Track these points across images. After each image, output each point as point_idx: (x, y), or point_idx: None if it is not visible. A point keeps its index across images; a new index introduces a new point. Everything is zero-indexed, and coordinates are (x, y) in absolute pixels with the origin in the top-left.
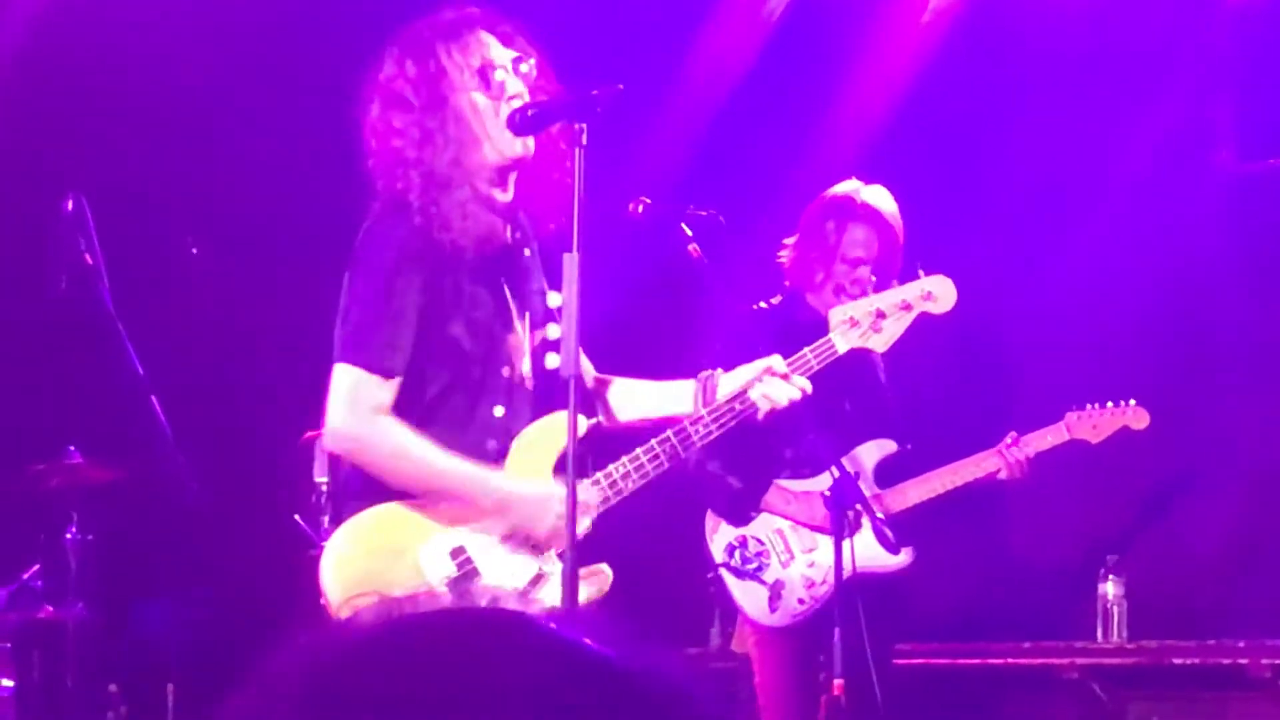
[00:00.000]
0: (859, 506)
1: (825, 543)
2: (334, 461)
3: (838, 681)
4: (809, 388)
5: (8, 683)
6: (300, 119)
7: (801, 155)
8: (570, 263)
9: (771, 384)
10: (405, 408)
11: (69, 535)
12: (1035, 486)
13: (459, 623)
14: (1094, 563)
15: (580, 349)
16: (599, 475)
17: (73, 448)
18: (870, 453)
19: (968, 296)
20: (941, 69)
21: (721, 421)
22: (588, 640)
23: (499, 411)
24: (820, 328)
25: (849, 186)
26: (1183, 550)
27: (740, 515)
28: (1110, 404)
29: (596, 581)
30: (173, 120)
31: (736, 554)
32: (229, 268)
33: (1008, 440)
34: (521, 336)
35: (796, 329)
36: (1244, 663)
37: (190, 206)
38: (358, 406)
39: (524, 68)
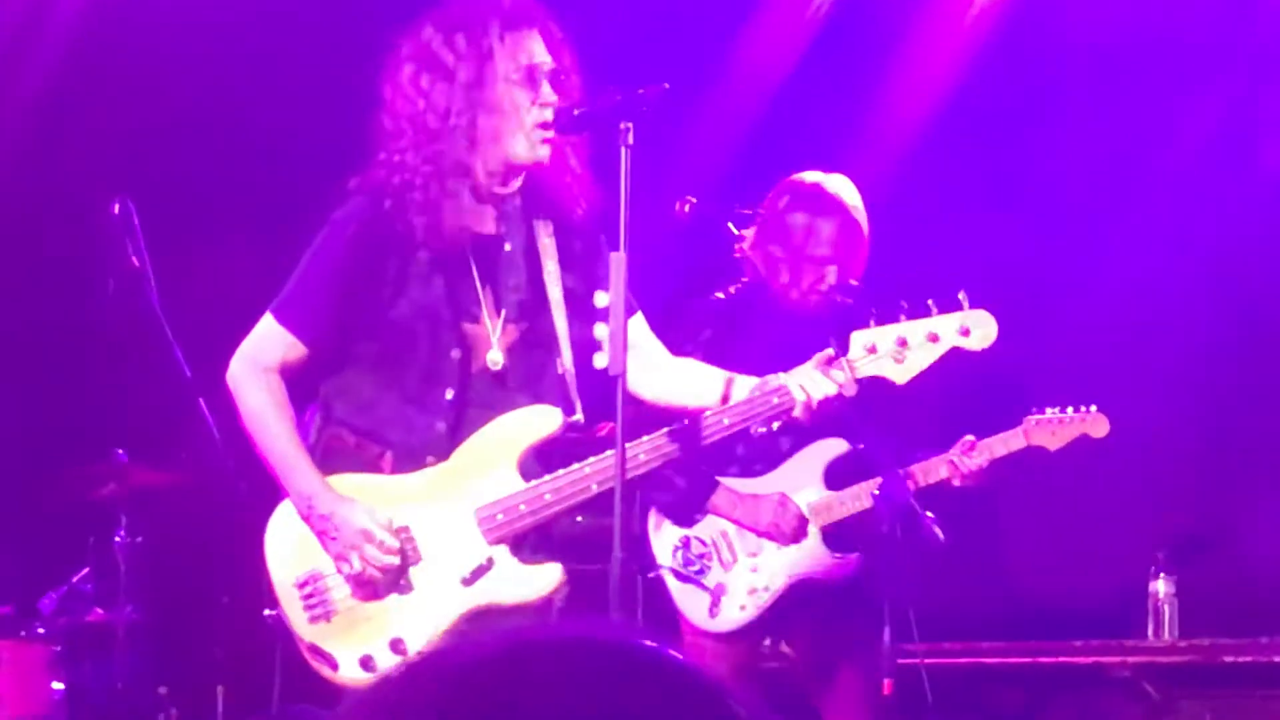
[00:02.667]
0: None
1: (770, 549)
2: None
3: (887, 681)
4: (850, 386)
5: (58, 685)
6: (350, 121)
7: (847, 152)
8: (616, 262)
9: (810, 375)
10: (355, 383)
11: (118, 538)
12: (1085, 483)
13: (587, 647)
14: (1145, 560)
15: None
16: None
17: (121, 450)
18: (822, 452)
19: (1013, 294)
20: (987, 65)
21: (755, 413)
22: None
23: (449, 394)
24: (780, 320)
25: (814, 177)
26: (1234, 547)
27: (685, 515)
28: (1070, 409)
29: (546, 576)
30: (220, 123)
31: (679, 555)
32: (276, 269)
33: (962, 445)
34: (488, 326)
35: (755, 320)
36: None
37: (237, 209)
38: (254, 353)
39: (565, 81)
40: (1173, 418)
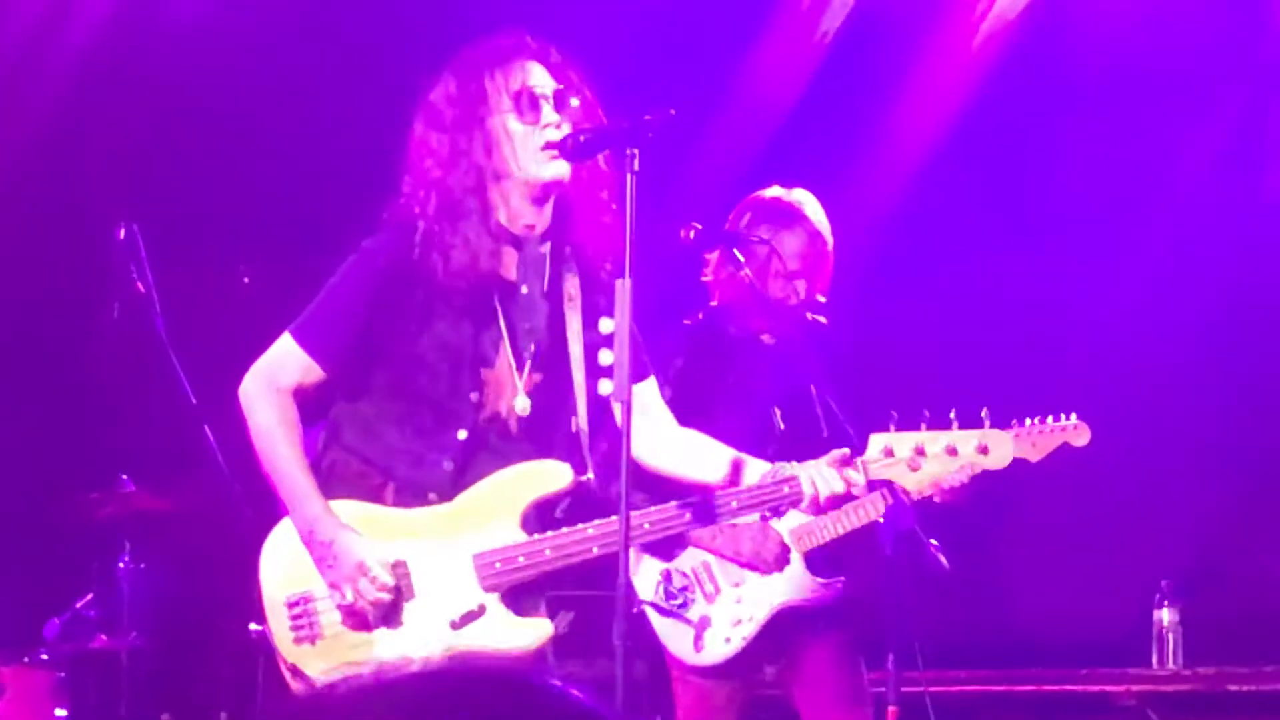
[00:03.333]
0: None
1: (752, 579)
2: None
3: (892, 709)
4: (861, 488)
5: (61, 712)
6: (353, 147)
7: (854, 177)
8: (622, 289)
9: (823, 471)
10: (367, 412)
11: (122, 564)
12: (1090, 511)
13: (468, 681)
14: (1150, 588)
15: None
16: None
17: (126, 476)
18: None
19: (1022, 320)
20: (993, 90)
21: (763, 499)
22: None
23: (462, 435)
24: (751, 342)
25: (775, 192)
26: (1239, 576)
27: (665, 549)
28: (1050, 419)
29: (535, 630)
30: (225, 149)
31: (661, 589)
32: (281, 296)
33: None
34: (505, 372)
35: (723, 344)
36: None
37: (242, 235)
38: (270, 372)
39: (573, 102)
40: (1179, 446)
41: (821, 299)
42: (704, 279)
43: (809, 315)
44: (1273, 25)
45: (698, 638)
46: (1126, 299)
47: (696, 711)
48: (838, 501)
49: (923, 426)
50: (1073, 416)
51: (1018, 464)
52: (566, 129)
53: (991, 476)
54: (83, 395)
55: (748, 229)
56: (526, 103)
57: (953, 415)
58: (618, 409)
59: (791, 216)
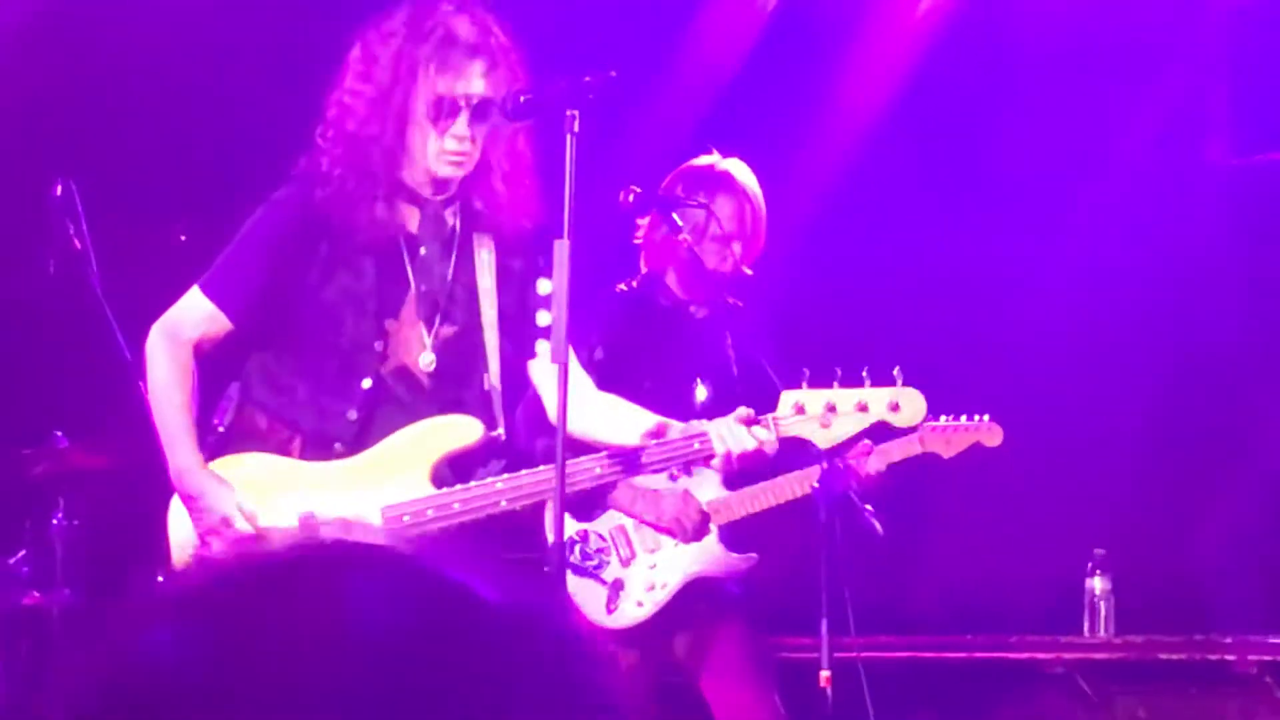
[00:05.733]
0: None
1: (668, 546)
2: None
3: (825, 674)
4: (772, 444)
5: None
6: (291, 105)
7: (795, 146)
8: (561, 250)
9: (733, 428)
10: (274, 364)
11: (55, 521)
12: (1023, 479)
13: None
14: (1082, 556)
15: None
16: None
17: (59, 433)
18: None
19: (961, 289)
20: (936, 62)
21: (672, 454)
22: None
23: (366, 384)
24: (680, 312)
25: (708, 160)
26: (1170, 545)
27: (583, 509)
28: (964, 418)
29: None
30: (162, 106)
31: (577, 549)
32: (217, 254)
33: (859, 449)
34: (411, 325)
35: (657, 313)
36: (1231, 658)
37: (179, 192)
38: (174, 325)
39: (493, 114)
40: (1111, 415)
41: (748, 271)
42: (635, 242)
43: (729, 300)
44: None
45: (610, 600)
46: (1061, 269)
47: None
48: (749, 459)
49: (835, 384)
50: (985, 416)
51: (931, 455)
52: (468, 146)
53: (921, 454)
54: (17, 351)
55: (683, 196)
56: (447, 109)
57: (865, 373)
58: (536, 369)
59: (724, 182)
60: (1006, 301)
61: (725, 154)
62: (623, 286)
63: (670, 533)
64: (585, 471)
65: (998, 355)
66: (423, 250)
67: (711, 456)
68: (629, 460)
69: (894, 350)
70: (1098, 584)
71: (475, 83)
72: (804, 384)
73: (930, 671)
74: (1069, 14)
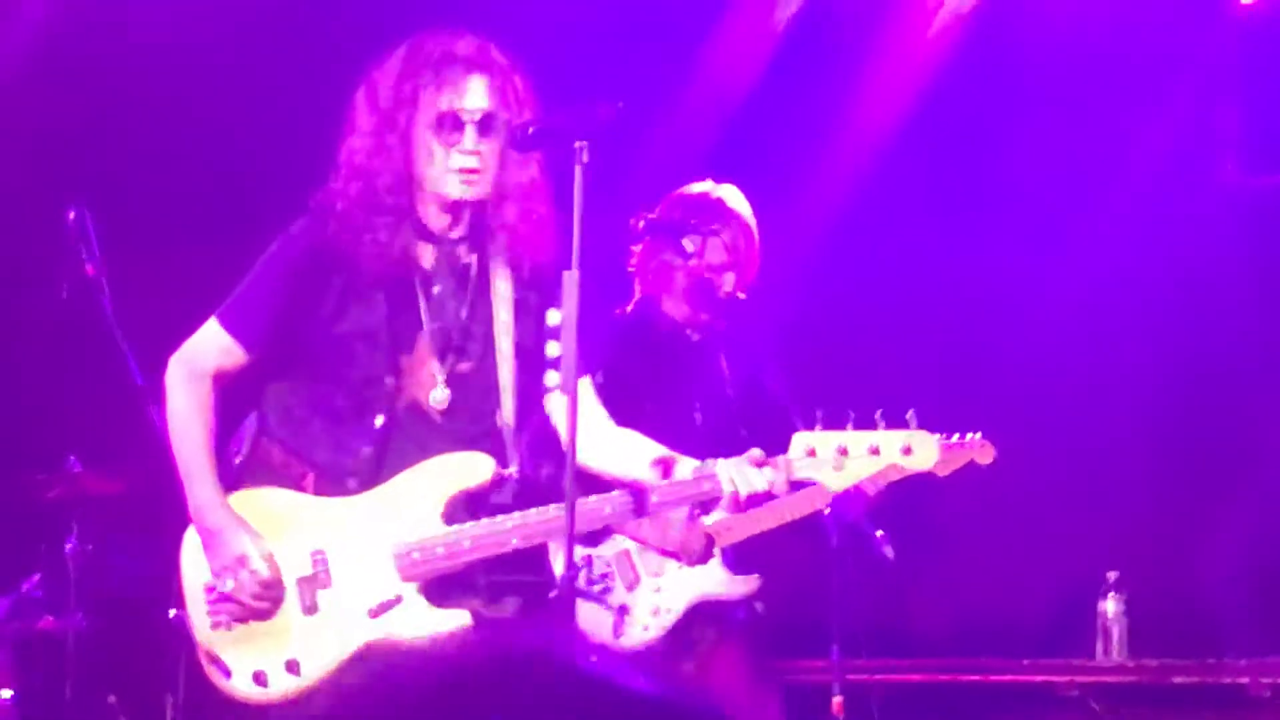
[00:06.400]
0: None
1: (672, 569)
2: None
3: (837, 700)
4: (782, 486)
5: (7, 693)
6: (307, 131)
7: (808, 168)
8: (570, 280)
9: (743, 469)
10: (289, 398)
11: (69, 545)
12: (1036, 501)
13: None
14: (1094, 579)
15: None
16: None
17: (73, 457)
18: None
19: (973, 308)
20: (947, 82)
21: (683, 495)
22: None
23: (379, 421)
24: (677, 336)
25: (702, 187)
26: (1183, 567)
27: (588, 535)
28: (957, 435)
29: (452, 620)
30: (177, 131)
31: (582, 574)
32: (231, 278)
33: None
34: (424, 361)
35: (654, 337)
36: (1244, 682)
37: (192, 218)
38: (192, 357)
39: (499, 127)
40: (1124, 435)
41: (741, 296)
42: (630, 270)
43: (722, 323)
44: (1224, 14)
45: (617, 624)
46: (1073, 289)
47: None
48: (757, 500)
49: (848, 426)
50: (977, 434)
51: (926, 474)
52: (477, 162)
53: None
54: (31, 376)
55: (677, 224)
56: (450, 124)
57: (878, 416)
58: (552, 401)
59: (719, 211)
60: (1018, 320)
61: (735, 176)
62: (618, 312)
63: (675, 556)
64: (594, 511)
65: (1010, 374)
66: (436, 288)
67: (718, 494)
68: (638, 501)
69: (905, 369)
70: (1110, 606)
71: (477, 97)
72: (817, 425)
73: (943, 695)
74: (1080, 33)
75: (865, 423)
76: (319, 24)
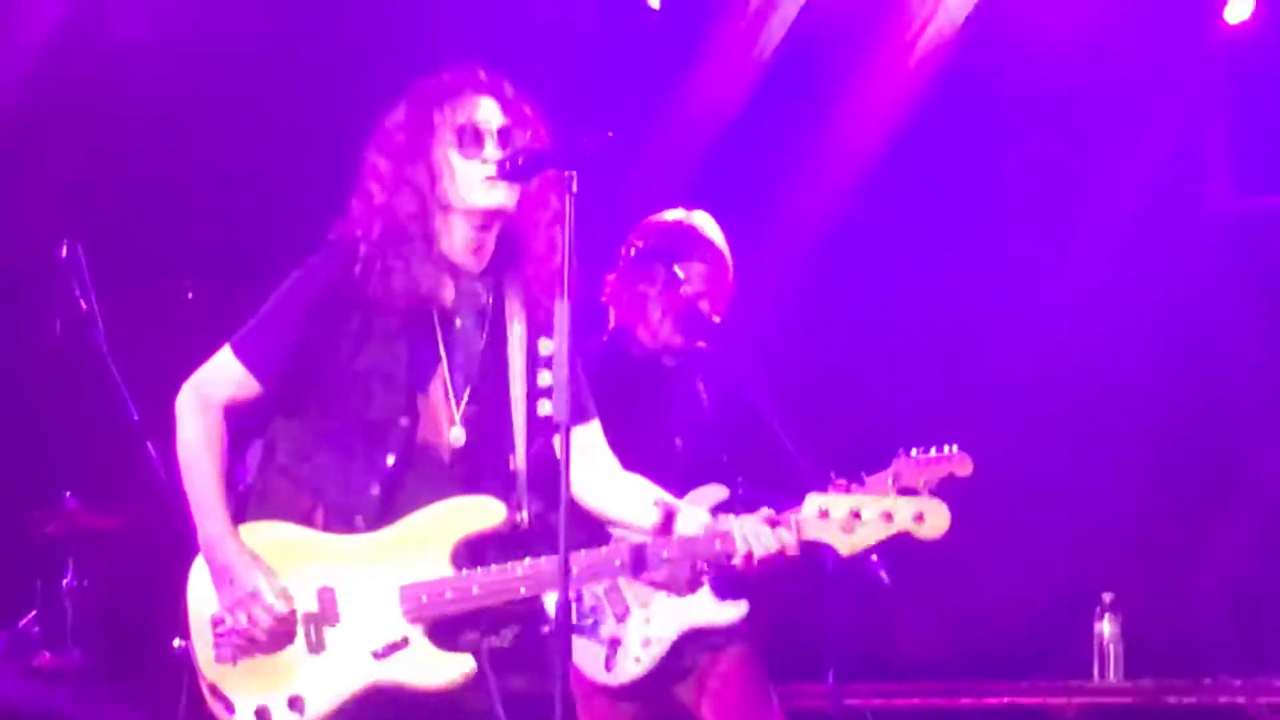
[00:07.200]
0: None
1: (660, 599)
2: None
3: None
4: (794, 547)
5: None
6: (297, 164)
7: (792, 195)
8: (561, 310)
9: (757, 529)
10: (301, 432)
11: (65, 581)
12: (1032, 525)
13: None
14: (1090, 601)
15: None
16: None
17: (69, 493)
18: (704, 499)
19: (964, 333)
20: (934, 105)
21: (695, 552)
22: None
23: (390, 459)
24: (653, 364)
25: (675, 215)
26: (1179, 589)
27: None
28: (934, 449)
29: (456, 666)
30: (168, 164)
31: (572, 609)
32: (225, 311)
33: (833, 488)
34: (440, 400)
35: (629, 367)
36: (1241, 702)
37: (186, 249)
38: (205, 386)
39: (518, 138)
40: (1121, 460)
41: (716, 319)
42: (603, 300)
43: (700, 343)
44: (1211, 36)
45: (609, 658)
46: (1064, 313)
47: None
48: (769, 562)
49: (861, 488)
50: (954, 447)
51: (948, 480)
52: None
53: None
54: (26, 412)
55: (650, 252)
56: (470, 136)
57: (890, 480)
58: (558, 442)
59: (692, 240)
60: (1009, 342)
61: (721, 201)
62: (591, 343)
63: (665, 587)
64: (605, 562)
65: (1002, 397)
66: (457, 322)
67: (731, 555)
68: (649, 556)
69: (896, 391)
70: (1106, 628)
71: (493, 114)
72: (830, 487)
73: (939, 718)
74: (1067, 56)
75: (880, 464)
76: (317, 60)
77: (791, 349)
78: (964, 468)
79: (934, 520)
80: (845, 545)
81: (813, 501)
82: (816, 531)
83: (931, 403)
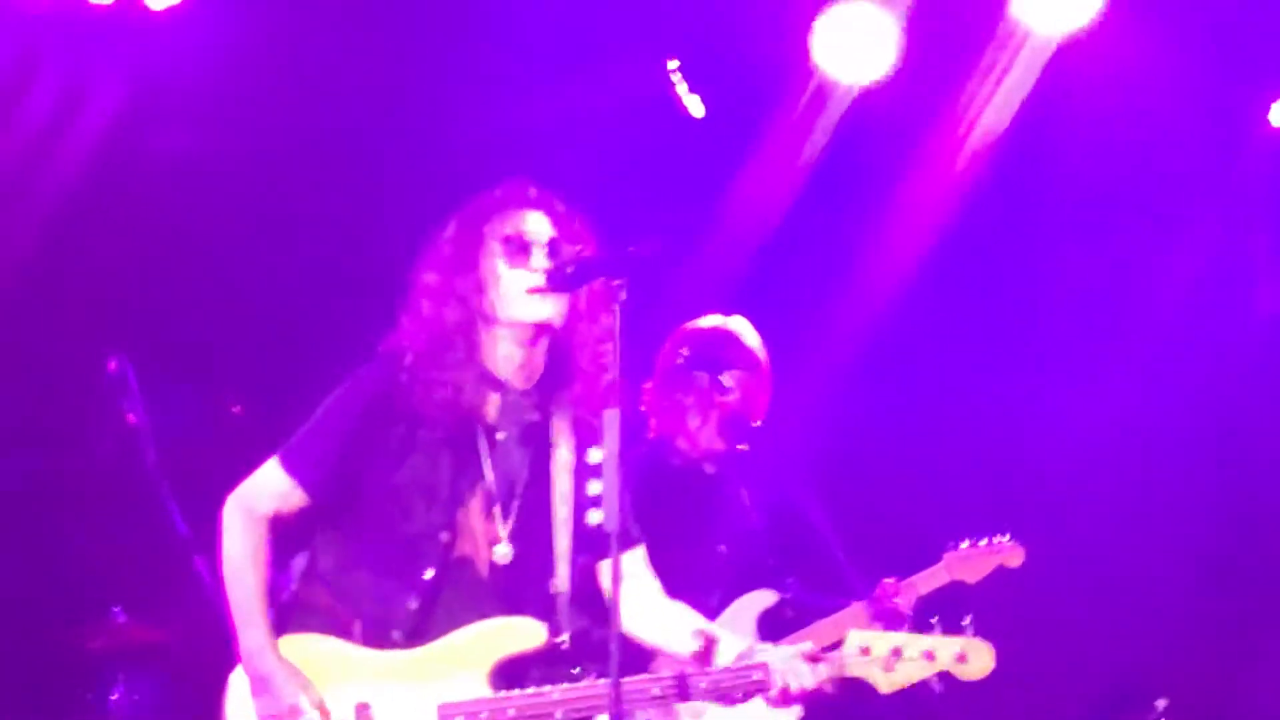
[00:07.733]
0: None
1: (713, 709)
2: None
3: None
4: (830, 684)
5: None
6: (344, 279)
7: (839, 299)
8: (611, 419)
9: (795, 664)
10: (343, 542)
11: (114, 696)
12: (1086, 629)
13: None
14: (1145, 708)
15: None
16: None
17: (118, 608)
18: (753, 604)
19: (1013, 436)
20: (975, 211)
21: (732, 683)
22: None
23: (428, 574)
24: (694, 472)
25: (713, 322)
26: (1231, 695)
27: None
28: (985, 541)
29: None
30: (216, 280)
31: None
32: (272, 426)
33: (884, 588)
34: (480, 516)
35: (670, 476)
36: None
37: (233, 366)
38: (251, 498)
39: (567, 251)
40: (1175, 567)
41: (756, 423)
42: (641, 409)
43: (739, 446)
44: (1251, 146)
45: None
46: (1112, 418)
47: None
48: (805, 697)
49: (905, 628)
50: (1006, 537)
51: (995, 576)
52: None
53: (981, 590)
54: (75, 528)
55: (689, 361)
56: (517, 247)
57: (934, 620)
58: (603, 567)
59: (731, 348)
60: (1056, 448)
61: (767, 307)
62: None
63: (715, 699)
64: (642, 691)
65: (1052, 502)
66: (500, 435)
67: (767, 686)
68: (686, 686)
69: (944, 499)
70: None
71: (542, 227)
72: (879, 588)
73: None
74: (1110, 160)
75: (929, 561)
76: (369, 174)
77: (838, 448)
78: (1015, 558)
79: (977, 661)
80: (886, 683)
81: (854, 638)
82: (858, 669)
83: (978, 508)
